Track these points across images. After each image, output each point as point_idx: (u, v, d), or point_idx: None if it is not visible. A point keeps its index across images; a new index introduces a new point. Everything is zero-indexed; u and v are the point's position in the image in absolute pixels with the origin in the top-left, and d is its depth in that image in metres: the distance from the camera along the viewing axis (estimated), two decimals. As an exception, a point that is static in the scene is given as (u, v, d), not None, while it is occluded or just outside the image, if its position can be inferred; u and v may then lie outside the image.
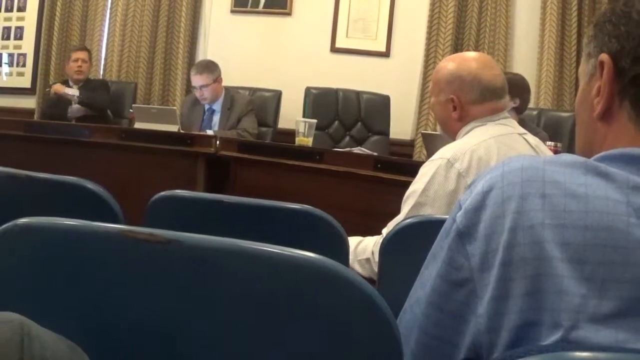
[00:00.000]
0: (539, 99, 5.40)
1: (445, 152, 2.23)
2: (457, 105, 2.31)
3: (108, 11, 6.46)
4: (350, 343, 0.86)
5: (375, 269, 2.16)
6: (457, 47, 5.65)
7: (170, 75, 6.32)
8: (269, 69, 6.06)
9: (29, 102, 6.48)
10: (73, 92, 5.53)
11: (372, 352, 0.86)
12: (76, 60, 5.77)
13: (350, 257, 2.19)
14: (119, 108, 5.95)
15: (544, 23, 5.48)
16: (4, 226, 0.94)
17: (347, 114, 5.66)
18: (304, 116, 5.27)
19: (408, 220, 1.82)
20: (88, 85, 5.76)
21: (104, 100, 5.75)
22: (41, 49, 6.56)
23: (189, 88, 5.89)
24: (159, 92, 6.29)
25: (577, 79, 5.18)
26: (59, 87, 5.57)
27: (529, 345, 0.80)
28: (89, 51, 5.96)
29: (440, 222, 0.97)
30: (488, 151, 2.19)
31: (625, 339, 0.77)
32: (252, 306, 0.88)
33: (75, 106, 5.52)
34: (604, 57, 0.94)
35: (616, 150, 0.90)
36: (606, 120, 0.96)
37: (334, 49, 6.04)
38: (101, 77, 6.40)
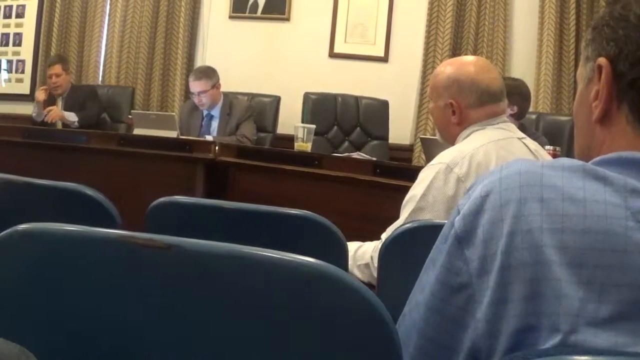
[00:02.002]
0: (538, 103, 5.40)
1: (444, 157, 2.23)
2: (456, 110, 2.30)
3: (106, 17, 6.47)
4: (349, 348, 0.86)
5: (375, 274, 2.16)
6: (455, 52, 5.66)
7: (168, 81, 6.32)
8: (268, 74, 6.06)
9: (27, 109, 6.44)
10: (72, 118, 5.48)
11: (371, 356, 0.86)
12: (50, 76, 5.75)
13: (350, 262, 2.19)
14: (117, 112, 5.97)
15: (542, 27, 5.49)
16: (4, 232, 0.94)
17: (346, 119, 5.67)
18: (302, 121, 5.27)
19: (407, 225, 1.83)
20: (74, 95, 5.76)
21: (99, 113, 5.79)
22: (40, 55, 6.57)
23: (187, 94, 5.89)
24: (157, 98, 6.30)
25: (575, 82, 5.19)
26: (57, 114, 5.47)
27: (528, 349, 0.80)
28: (63, 61, 5.87)
29: (439, 227, 0.97)
30: (487, 156, 2.19)
31: (624, 343, 0.77)
32: (252, 311, 0.88)
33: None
34: (602, 60, 0.94)
35: (614, 154, 0.90)
36: (604, 123, 0.96)
37: (333, 54, 6.05)
38: (100, 82, 6.41)
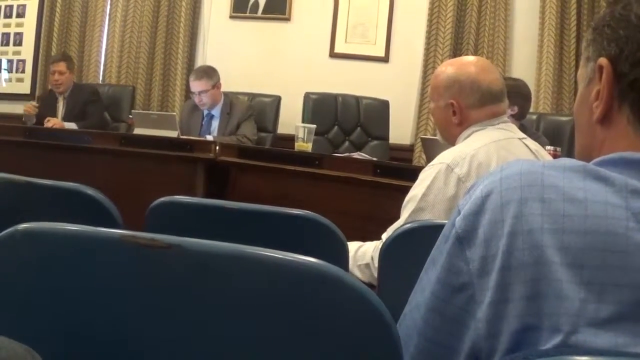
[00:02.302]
0: (538, 103, 5.40)
1: (444, 157, 2.23)
2: (456, 110, 2.31)
3: (107, 16, 6.47)
4: (350, 348, 0.86)
5: (375, 274, 2.16)
6: (456, 52, 5.66)
7: (169, 81, 6.33)
8: (268, 74, 6.06)
9: (28, 109, 6.47)
10: (73, 127, 5.42)
11: (372, 357, 0.86)
12: (53, 73, 5.71)
13: (350, 262, 2.19)
14: (117, 111, 5.97)
15: (543, 27, 5.49)
16: (5, 232, 0.94)
17: (347, 119, 5.67)
18: (303, 121, 5.27)
19: (407, 225, 1.83)
20: (75, 95, 5.73)
21: (100, 116, 5.78)
22: (40, 55, 6.57)
23: (188, 93, 5.89)
24: (158, 98, 6.30)
25: (576, 83, 5.19)
26: (57, 122, 5.37)
27: (529, 349, 0.80)
28: (67, 60, 5.83)
29: (439, 227, 0.97)
30: (488, 156, 2.19)
31: (624, 343, 0.77)
32: (252, 311, 0.88)
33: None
34: (603, 61, 0.94)
35: (615, 154, 0.90)
36: (605, 124, 0.96)
37: (333, 54, 6.05)
38: (100, 81, 6.40)
